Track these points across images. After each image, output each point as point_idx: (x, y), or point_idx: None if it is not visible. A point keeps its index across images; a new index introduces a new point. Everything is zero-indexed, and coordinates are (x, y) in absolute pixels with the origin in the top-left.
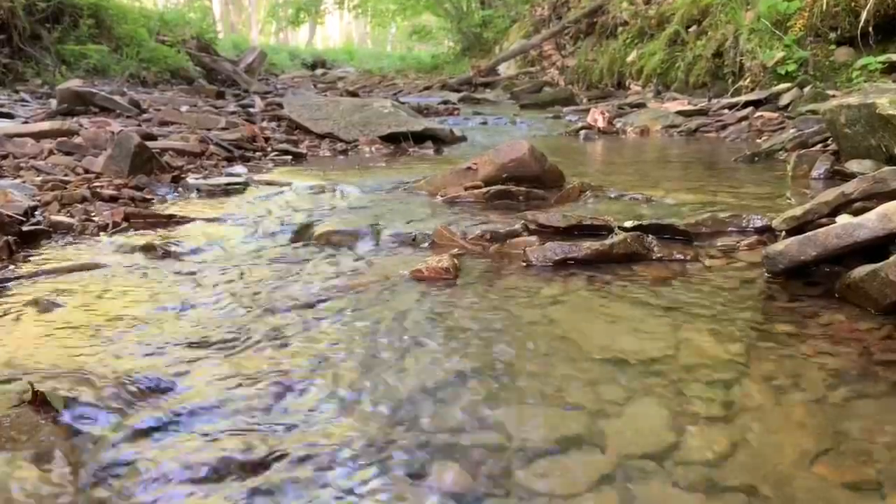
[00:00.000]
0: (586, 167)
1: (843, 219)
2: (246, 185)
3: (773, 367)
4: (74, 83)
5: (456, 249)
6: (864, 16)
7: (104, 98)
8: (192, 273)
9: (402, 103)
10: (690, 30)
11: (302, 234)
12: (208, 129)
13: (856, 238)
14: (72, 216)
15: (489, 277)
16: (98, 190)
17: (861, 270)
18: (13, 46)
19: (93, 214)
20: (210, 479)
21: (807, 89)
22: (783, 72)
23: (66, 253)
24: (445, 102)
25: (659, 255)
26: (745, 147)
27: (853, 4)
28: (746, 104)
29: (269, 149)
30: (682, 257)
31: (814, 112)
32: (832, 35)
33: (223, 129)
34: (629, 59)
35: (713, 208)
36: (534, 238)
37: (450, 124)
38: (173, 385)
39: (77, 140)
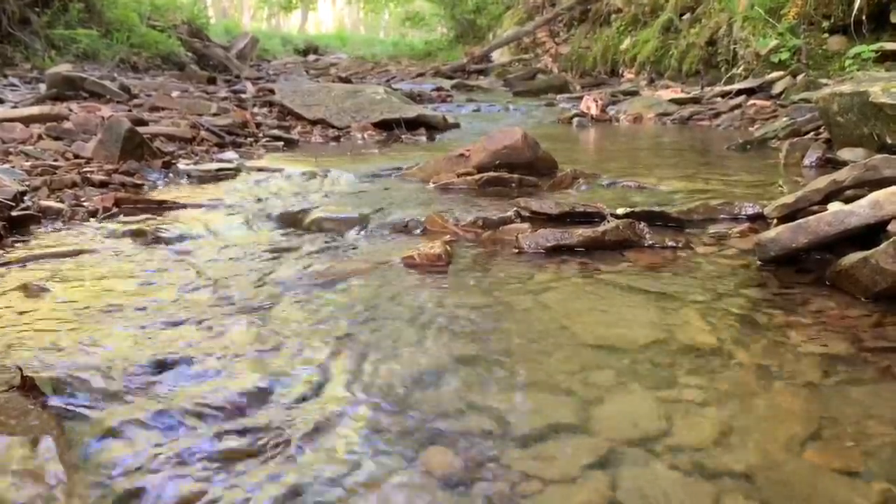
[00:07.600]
0: (579, 154)
1: (835, 206)
2: (237, 170)
3: (764, 353)
4: (64, 68)
5: (448, 236)
6: (857, 4)
7: (94, 83)
8: (182, 259)
9: (395, 90)
10: (684, 17)
11: (293, 220)
12: (199, 115)
13: (847, 225)
14: (62, 201)
15: (481, 264)
16: (88, 175)
17: (852, 258)
18: (2, 31)
19: (83, 200)
20: (200, 469)
21: (800, 77)
22: (776, 60)
23: (56, 238)
24: (438, 89)
25: (651, 242)
26: (737, 135)
27: None
28: (739, 92)
29: (261, 135)
30: (674, 244)
31: (806, 100)
32: (825, 23)
33: (214, 114)
34: (623, 46)
35: (705, 196)
36: (526, 225)
37: (443, 111)
38: (162, 370)
39: (67, 125)
